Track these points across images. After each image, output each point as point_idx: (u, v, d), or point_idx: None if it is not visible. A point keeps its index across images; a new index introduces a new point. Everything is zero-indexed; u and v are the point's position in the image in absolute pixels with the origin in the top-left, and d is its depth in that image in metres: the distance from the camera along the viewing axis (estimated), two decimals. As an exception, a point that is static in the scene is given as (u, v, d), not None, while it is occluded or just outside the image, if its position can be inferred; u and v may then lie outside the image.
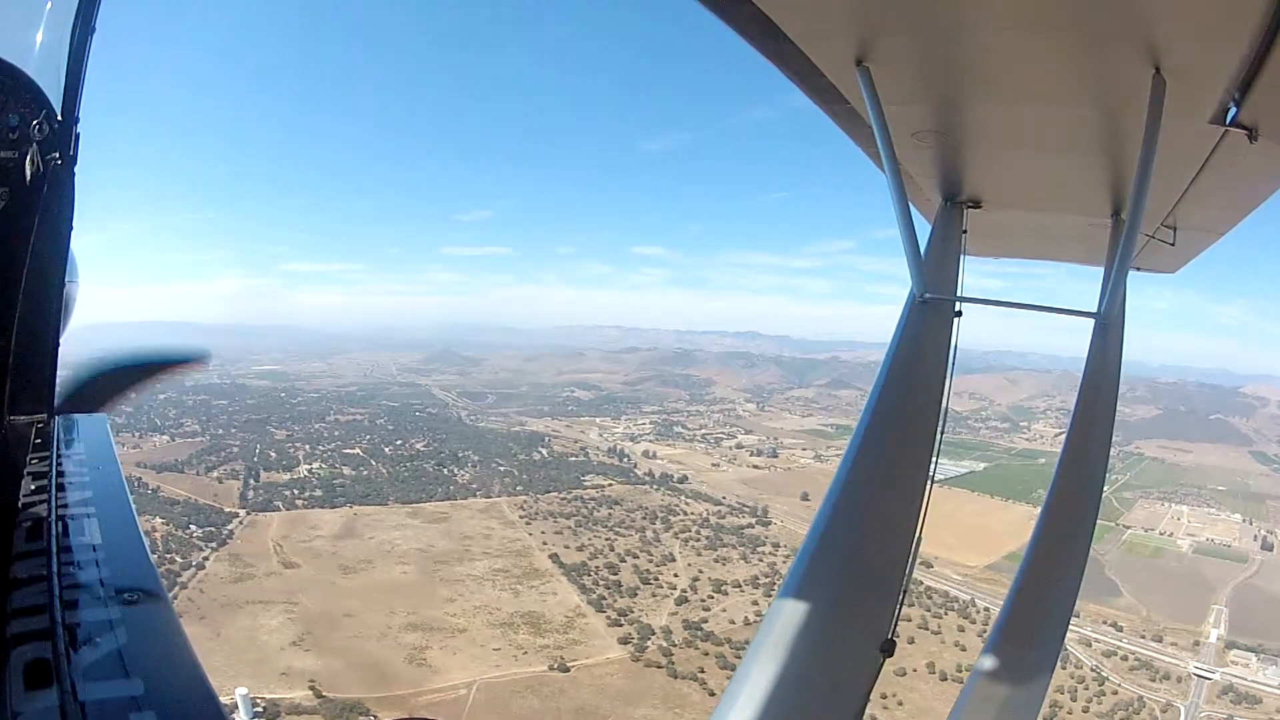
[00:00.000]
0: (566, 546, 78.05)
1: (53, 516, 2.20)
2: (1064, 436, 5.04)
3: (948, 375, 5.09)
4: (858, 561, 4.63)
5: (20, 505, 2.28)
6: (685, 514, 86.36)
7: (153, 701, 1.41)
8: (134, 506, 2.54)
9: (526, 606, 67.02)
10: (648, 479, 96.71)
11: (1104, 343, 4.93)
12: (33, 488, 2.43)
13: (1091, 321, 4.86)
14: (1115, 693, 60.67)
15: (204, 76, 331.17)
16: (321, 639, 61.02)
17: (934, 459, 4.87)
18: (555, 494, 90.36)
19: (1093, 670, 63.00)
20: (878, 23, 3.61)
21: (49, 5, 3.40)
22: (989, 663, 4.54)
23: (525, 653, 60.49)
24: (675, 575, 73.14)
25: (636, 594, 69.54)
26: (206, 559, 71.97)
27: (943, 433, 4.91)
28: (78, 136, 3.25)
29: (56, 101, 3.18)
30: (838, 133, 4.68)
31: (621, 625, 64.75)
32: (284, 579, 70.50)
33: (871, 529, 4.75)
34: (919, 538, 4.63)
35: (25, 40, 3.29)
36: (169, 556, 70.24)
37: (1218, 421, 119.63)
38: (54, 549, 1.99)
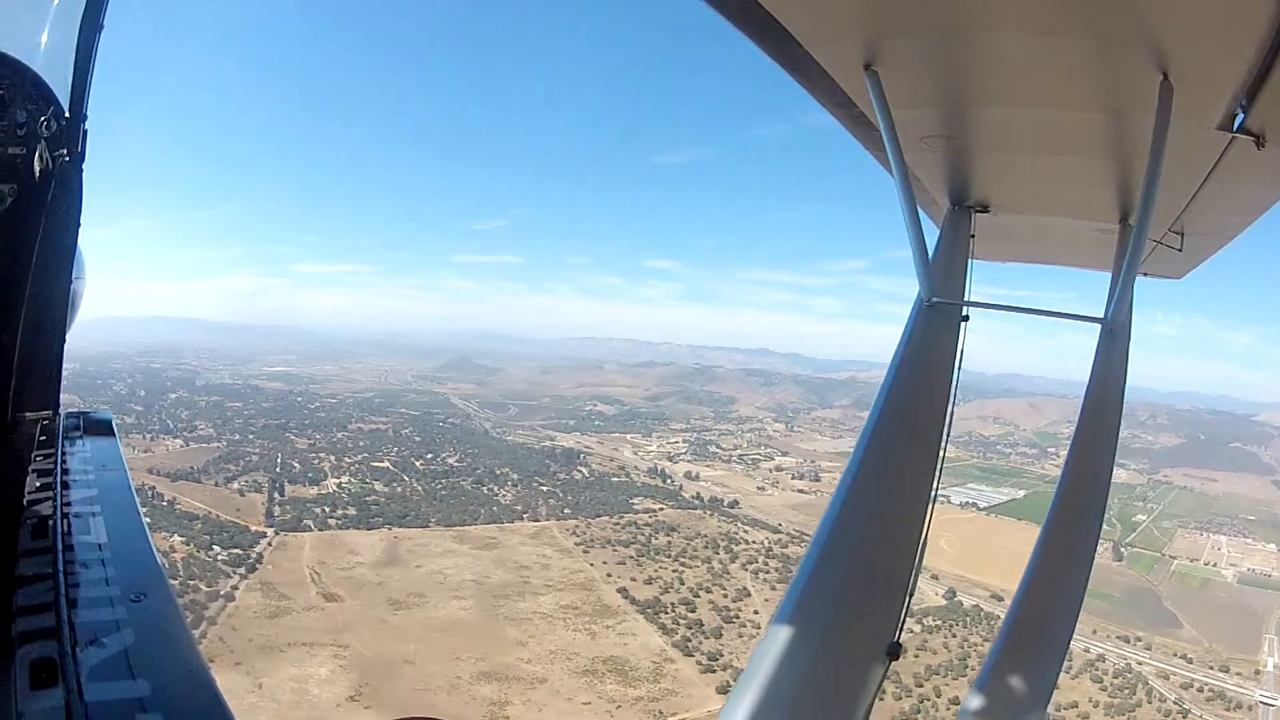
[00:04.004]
0: (634, 579, 71.65)
1: (58, 514, 2.16)
2: (1070, 439, 4.94)
3: (954, 380, 5.03)
4: (864, 564, 4.58)
5: (26, 503, 2.23)
6: (747, 542, 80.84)
7: (159, 703, 1.40)
8: (139, 505, 2.46)
9: (607, 650, 60.15)
10: (697, 503, 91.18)
11: (1110, 348, 4.92)
12: (38, 485, 2.38)
13: (1098, 327, 4.87)
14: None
15: (217, 75, 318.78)
16: (382, 691, 53.09)
17: (939, 462, 4.82)
18: (606, 518, 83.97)
19: (1176, 704, 62.09)
20: (886, 27, 3.55)
21: (56, 2, 3.28)
22: (996, 661, 4.46)
23: (619, 706, 53.78)
24: (755, 612, 67.30)
25: (721, 634, 63.42)
26: (236, 588, 63.41)
27: (948, 436, 4.92)
28: (86, 133, 3.15)
29: (64, 98, 3.08)
30: (851, 151, 4.76)
31: (715, 671, 58.46)
32: (327, 614, 62.52)
33: (878, 532, 4.69)
34: (925, 541, 4.56)
35: (33, 37, 3.19)
36: (192, 584, 61.87)
37: (1238, 450, 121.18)
38: (59, 547, 1.95)
